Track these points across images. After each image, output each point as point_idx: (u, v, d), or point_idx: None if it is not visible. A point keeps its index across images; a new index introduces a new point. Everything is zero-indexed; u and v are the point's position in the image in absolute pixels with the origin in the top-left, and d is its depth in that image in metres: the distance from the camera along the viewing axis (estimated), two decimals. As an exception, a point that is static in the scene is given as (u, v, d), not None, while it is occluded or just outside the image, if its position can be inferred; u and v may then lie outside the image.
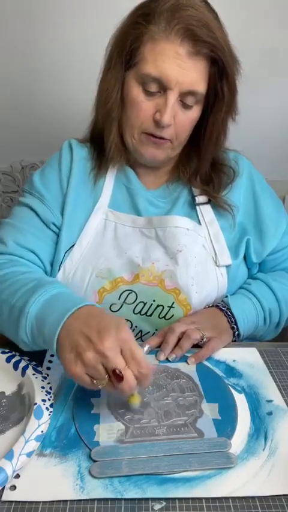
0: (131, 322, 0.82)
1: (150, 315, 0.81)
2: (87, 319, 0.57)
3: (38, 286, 0.66)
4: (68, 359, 0.55)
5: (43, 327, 0.60)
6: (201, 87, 0.74)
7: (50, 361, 0.70)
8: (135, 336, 0.82)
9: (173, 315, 0.81)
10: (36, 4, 1.22)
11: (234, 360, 0.73)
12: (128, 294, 0.81)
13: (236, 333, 0.78)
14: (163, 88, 0.73)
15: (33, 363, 0.67)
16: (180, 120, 0.76)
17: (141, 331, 0.83)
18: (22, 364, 0.66)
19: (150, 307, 0.81)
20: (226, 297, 0.83)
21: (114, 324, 0.55)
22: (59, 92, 1.32)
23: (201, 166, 0.85)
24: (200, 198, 0.86)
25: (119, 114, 0.79)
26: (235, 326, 0.78)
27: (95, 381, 0.54)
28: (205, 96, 0.76)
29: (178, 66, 0.70)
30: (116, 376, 0.52)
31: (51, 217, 0.82)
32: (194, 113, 0.77)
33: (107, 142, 0.82)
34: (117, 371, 0.52)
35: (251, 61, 1.29)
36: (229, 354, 0.74)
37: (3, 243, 0.80)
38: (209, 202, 0.86)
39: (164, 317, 0.81)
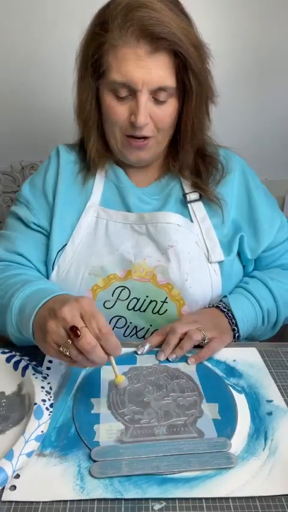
0: (125, 319, 0.82)
1: (144, 311, 0.82)
2: (55, 299, 0.62)
3: (23, 284, 0.72)
4: (37, 335, 0.61)
5: (23, 318, 0.65)
6: (169, 81, 0.74)
7: (50, 361, 0.70)
8: (130, 332, 0.84)
9: (166, 310, 0.81)
10: (35, 4, 1.22)
11: (234, 360, 0.73)
12: (121, 291, 0.81)
13: (237, 334, 0.78)
14: (132, 91, 0.74)
15: (33, 363, 0.67)
16: (157, 116, 0.77)
17: (136, 327, 0.83)
18: (22, 364, 0.66)
19: (143, 302, 0.81)
20: (225, 296, 0.83)
21: (75, 297, 0.59)
22: (58, 92, 1.31)
23: (184, 156, 0.85)
24: (191, 196, 0.86)
25: (97, 122, 0.81)
26: (236, 327, 0.78)
27: (60, 348, 0.56)
28: (177, 88, 0.76)
29: (140, 67, 0.71)
30: (74, 334, 0.54)
31: (31, 217, 0.86)
32: (170, 107, 0.77)
33: (87, 149, 0.85)
34: (76, 330, 0.54)
35: (250, 61, 1.30)
36: (229, 354, 0.74)
37: None
38: (200, 199, 0.86)
39: (158, 312, 0.82)
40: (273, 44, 1.30)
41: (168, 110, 0.77)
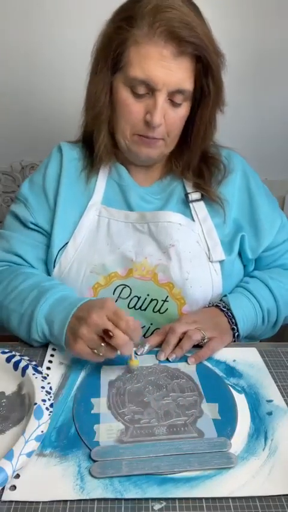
0: None
1: (145, 309, 0.82)
2: (80, 308, 0.68)
3: (40, 293, 0.74)
4: (70, 342, 0.66)
5: (52, 329, 0.70)
6: (188, 85, 0.75)
7: (50, 361, 0.70)
8: None
9: (167, 309, 0.81)
10: (35, 4, 1.22)
11: (234, 360, 0.73)
12: (122, 289, 0.82)
13: (236, 334, 0.78)
14: (151, 90, 0.74)
15: (33, 363, 0.67)
16: (170, 118, 0.77)
17: None
18: (22, 364, 0.66)
19: (144, 301, 0.82)
20: (225, 296, 0.83)
21: (99, 303, 0.66)
22: (58, 92, 1.32)
23: (191, 159, 0.86)
24: (193, 195, 0.86)
25: (109, 116, 0.81)
26: (235, 327, 0.78)
27: (95, 351, 0.63)
28: (192, 92, 0.77)
29: (163, 67, 0.71)
30: (108, 336, 0.62)
31: (29, 217, 0.86)
32: (183, 110, 0.78)
33: (96, 144, 0.83)
34: (109, 332, 0.62)
35: (250, 61, 1.30)
36: (229, 354, 0.74)
37: None
38: (201, 199, 0.86)
39: (159, 311, 0.82)
40: (274, 44, 1.30)
41: (181, 114, 0.78)
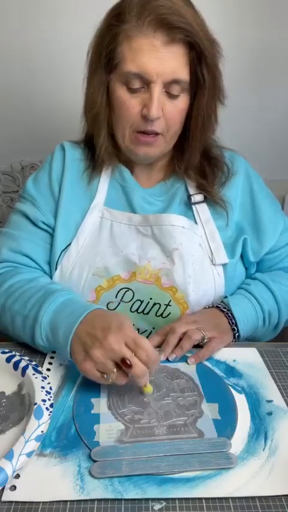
0: None
1: (147, 313, 0.82)
2: (91, 321, 0.63)
3: (46, 295, 0.71)
4: (79, 359, 0.62)
5: (57, 335, 0.66)
6: (183, 74, 0.73)
7: (50, 363, 0.70)
8: None
9: (169, 313, 0.81)
10: (35, 3, 1.22)
11: (234, 360, 0.73)
12: (125, 292, 0.81)
13: (237, 334, 0.78)
14: (146, 82, 0.73)
15: (33, 363, 0.67)
16: (169, 111, 0.76)
17: (138, 329, 0.83)
18: (22, 364, 0.66)
19: (147, 305, 0.81)
20: (226, 297, 0.83)
21: (116, 323, 0.60)
22: (59, 91, 1.32)
23: (192, 155, 0.84)
24: (196, 197, 0.86)
25: (107, 117, 0.80)
26: (236, 328, 0.78)
27: (105, 376, 0.59)
28: (189, 83, 0.75)
29: (156, 57, 0.70)
30: (125, 365, 0.57)
31: (40, 216, 0.84)
32: (182, 102, 0.77)
33: (96, 146, 0.83)
34: (126, 360, 0.57)
35: (250, 60, 1.30)
36: (229, 354, 0.74)
37: None
38: (204, 201, 0.86)
39: (161, 315, 0.81)
40: (275, 44, 1.30)
41: (179, 106, 0.76)
